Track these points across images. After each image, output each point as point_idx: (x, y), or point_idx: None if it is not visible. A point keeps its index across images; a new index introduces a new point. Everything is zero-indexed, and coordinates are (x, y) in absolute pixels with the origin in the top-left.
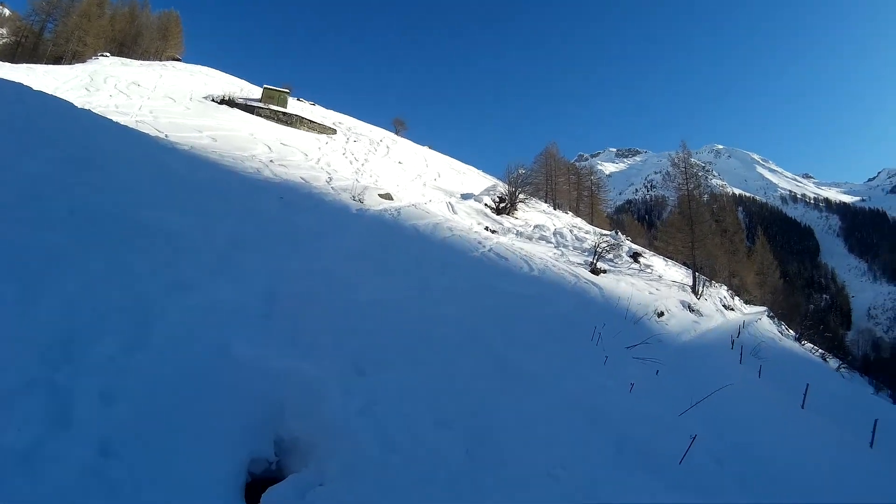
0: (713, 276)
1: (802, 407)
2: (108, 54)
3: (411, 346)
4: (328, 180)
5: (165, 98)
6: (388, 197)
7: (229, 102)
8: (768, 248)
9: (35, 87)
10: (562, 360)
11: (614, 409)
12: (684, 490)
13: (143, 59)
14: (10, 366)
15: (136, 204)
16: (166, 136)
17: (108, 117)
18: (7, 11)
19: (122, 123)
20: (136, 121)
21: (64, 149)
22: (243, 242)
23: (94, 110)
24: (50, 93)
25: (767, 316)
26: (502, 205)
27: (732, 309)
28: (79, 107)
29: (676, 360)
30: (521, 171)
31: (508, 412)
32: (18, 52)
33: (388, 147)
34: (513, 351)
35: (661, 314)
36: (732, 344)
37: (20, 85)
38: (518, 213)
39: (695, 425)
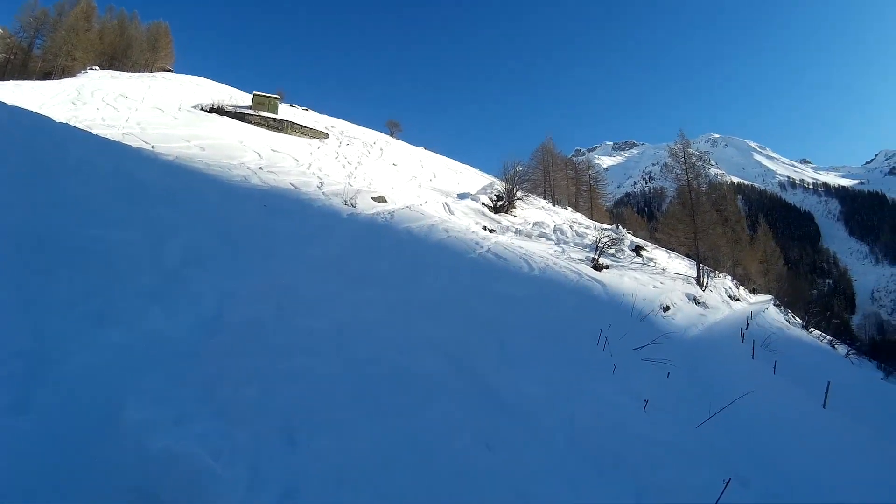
0: (717, 267)
1: (824, 406)
2: (97, 68)
3: (371, 392)
4: (319, 185)
5: (154, 109)
6: (381, 200)
7: (219, 111)
8: (770, 235)
9: (15, 103)
10: (566, 374)
11: (630, 444)
12: None
13: (134, 72)
14: None
15: (81, 222)
16: (153, 147)
17: (92, 130)
18: None
19: (99, 135)
20: (123, 133)
21: (9, 164)
22: (202, 258)
23: (79, 124)
24: (34, 109)
25: (773, 304)
26: (500, 203)
27: (738, 299)
28: (53, 120)
29: (687, 358)
30: (519, 168)
31: (498, 482)
32: (8, 69)
33: (381, 149)
34: (508, 372)
35: (666, 308)
36: (742, 337)
37: None
38: (517, 211)
39: (718, 443)
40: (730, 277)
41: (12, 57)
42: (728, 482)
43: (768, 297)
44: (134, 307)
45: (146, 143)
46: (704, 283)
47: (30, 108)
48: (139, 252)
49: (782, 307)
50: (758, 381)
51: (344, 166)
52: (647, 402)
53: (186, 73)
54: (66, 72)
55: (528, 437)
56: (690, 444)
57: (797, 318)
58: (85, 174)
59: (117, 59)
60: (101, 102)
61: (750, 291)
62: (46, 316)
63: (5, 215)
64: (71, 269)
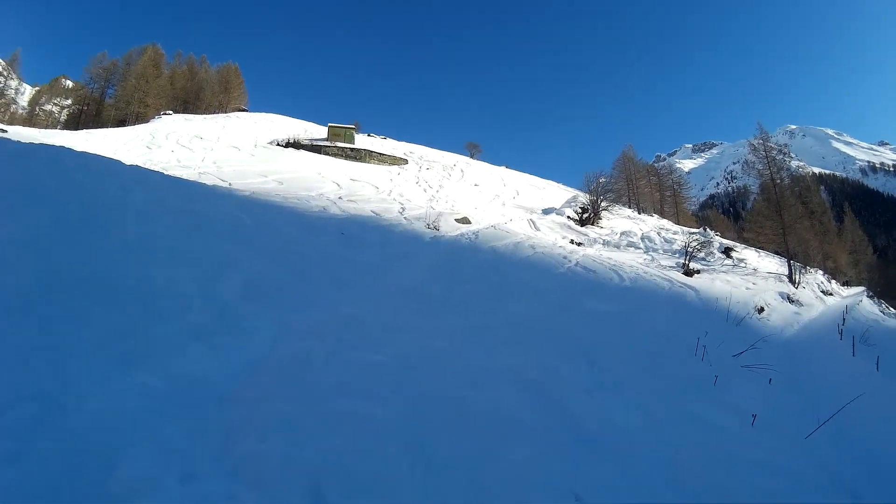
0: (807, 262)
1: None
2: (170, 112)
3: (430, 439)
4: (400, 210)
5: (229, 148)
6: (465, 221)
7: (295, 145)
8: (857, 224)
9: (87, 150)
10: (664, 394)
11: (739, 476)
12: None
13: (208, 114)
14: None
15: (132, 262)
16: (229, 184)
17: (166, 172)
18: (70, 83)
19: (170, 175)
20: (200, 172)
21: (65, 206)
22: (263, 291)
23: (153, 167)
24: (107, 155)
25: (867, 296)
26: (585, 215)
27: (831, 294)
28: (122, 163)
29: (786, 361)
30: (601, 179)
31: None
32: (82, 119)
33: (462, 171)
34: (600, 400)
35: (761, 310)
36: (841, 334)
37: (47, 146)
38: (602, 222)
39: (828, 457)
40: (821, 272)
41: (85, 107)
42: None
43: (861, 288)
44: (171, 347)
45: (222, 180)
46: (797, 280)
47: (102, 155)
48: (191, 288)
49: (875, 298)
50: (861, 381)
51: (425, 190)
52: (754, 417)
53: (261, 111)
54: (140, 118)
55: (625, 483)
56: (800, 465)
57: (891, 308)
58: (148, 214)
59: (190, 102)
60: (175, 144)
61: (842, 284)
62: (71, 358)
63: (47, 258)
64: (108, 308)
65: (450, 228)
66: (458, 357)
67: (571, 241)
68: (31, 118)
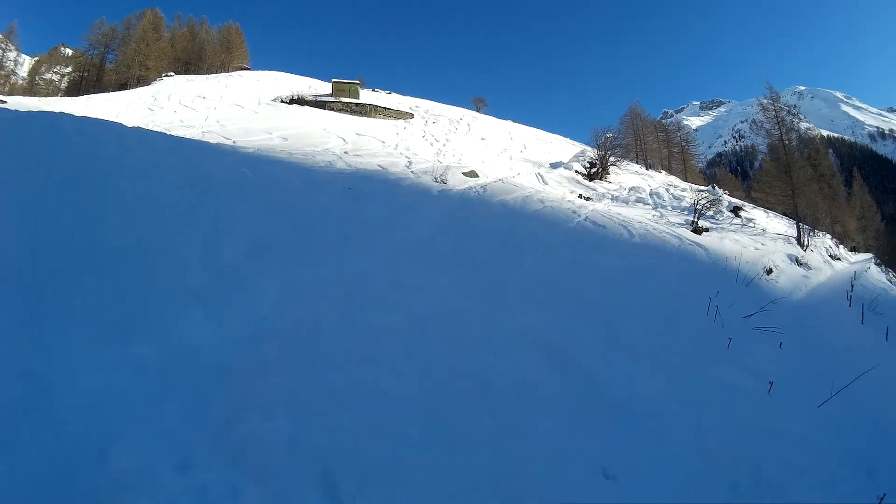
0: (816, 225)
1: None
2: (172, 74)
3: (450, 414)
4: (407, 164)
5: (233, 106)
6: (472, 174)
7: (299, 101)
8: (866, 189)
9: (91, 115)
10: (683, 357)
11: (764, 445)
12: None
13: (210, 74)
14: None
15: (130, 224)
16: (234, 142)
17: (170, 132)
18: (69, 51)
19: (173, 135)
20: (203, 132)
21: (61, 169)
22: (267, 249)
23: (156, 128)
24: (109, 118)
25: (875, 263)
26: (594, 170)
27: (839, 259)
28: (124, 125)
29: (796, 325)
30: (609, 134)
31: None
32: (83, 86)
33: (469, 125)
34: (621, 364)
35: (769, 271)
36: (850, 300)
37: (46, 112)
38: (611, 177)
39: (844, 427)
40: (829, 236)
41: (86, 74)
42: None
43: (869, 255)
44: (168, 313)
45: (227, 138)
46: (805, 243)
47: (102, 118)
48: (191, 249)
49: (883, 266)
50: (871, 351)
51: (432, 144)
52: (771, 384)
53: (264, 70)
54: (142, 81)
55: (654, 455)
56: (818, 436)
57: None
58: (147, 174)
59: (192, 63)
60: (178, 105)
61: (849, 250)
62: (61, 329)
63: (37, 223)
64: (101, 273)
65: (457, 182)
66: (473, 317)
67: (580, 196)
68: (31, 88)
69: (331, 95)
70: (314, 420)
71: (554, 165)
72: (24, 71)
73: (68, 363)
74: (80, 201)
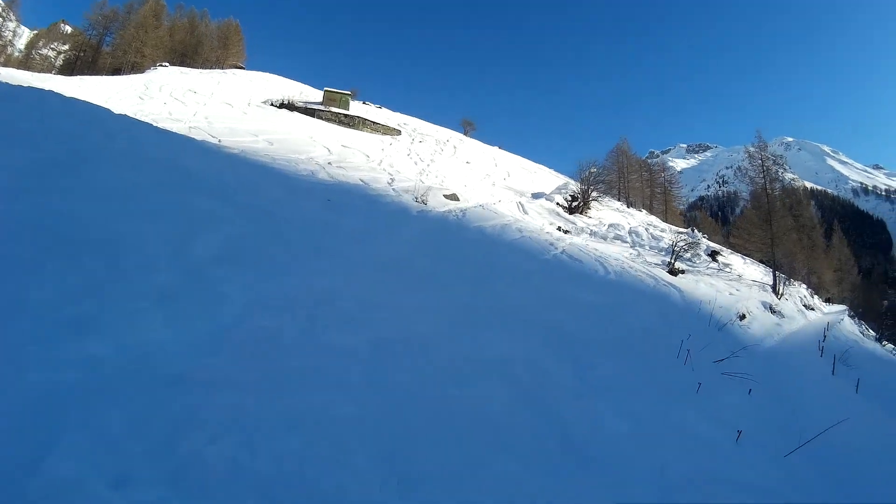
0: (792, 275)
1: None
2: (167, 64)
3: (404, 449)
4: (390, 181)
5: (222, 104)
6: (453, 197)
7: (289, 106)
8: (845, 242)
9: (81, 97)
10: (650, 399)
11: (726, 497)
12: None
13: (205, 69)
14: None
15: (105, 214)
16: (219, 140)
17: (157, 124)
18: (68, 28)
19: (158, 127)
20: (190, 126)
21: (42, 150)
22: (239, 254)
23: (144, 118)
24: (99, 103)
25: (848, 315)
26: (575, 203)
27: (813, 308)
28: (111, 112)
29: (766, 372)
30: (594, 169)
31: None
32: (77, 66)
33: (455, 147)
34: (588, 402)
35: (742, 317)
36: (822, 351)
37: (35, 89)
38: (591, 212)
39: (808, 479)
40: (804, 286)
41: (82, 54)
42: None
43: (843, 307)
44: (130, 311)
45: (212, 136)
46: (780, 291)
47: (91, 101)
48: (161, 246)
49: (856, 318)
50: (840, 403)
51: (416, 163)
52: (740, 433)
53: (257, 70)
54: (136, 68)
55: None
56: (785, 489)
57: (871, 331)
58: (128, 164)
59: (188, 56)
60: (168, 97)
61: (824, 301)
62: (17, 320)
63: (9, 204)
64: (67, 263)
65: (438, 204)
66: (441, 343)
67: (559, 228)
68: (26, 62)
69: (321, 104)
70: (262, 443)
71: (536, 196)
72: (21, 43)
73: (16, 358)
74: (55, 186)
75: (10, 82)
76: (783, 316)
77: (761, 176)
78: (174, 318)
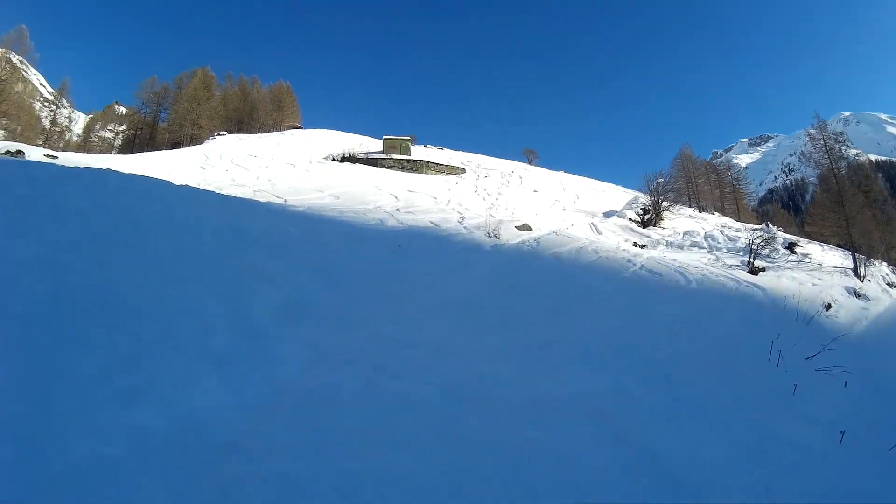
0: (871, 254)
1: None
2: (224, 133)
3: (477, 501)
4: (460, 220)
5: (284, 165)
6: (525, 227)
7: (350, 159)
8: None
9: (141, 173)
10: (747, 412)
11: None
12: None
13: (262, 132)
14: None
15: (159, 281)
16: (285, 200)
17: (221, 191)
18: (123, 109)
19: (219, 193)
20: (255, 190)
21: (92, 226)
22: (301, 311)
23: (208, 186)
24: (161, 177)
25: None
26: (647, 217)
27: None
28: (171, 183)
29: (859, 360)
30: (660, 179)
31: None
32: (136, 144)
33: (520, 177)
34: (681, 428)
35: (828, 306)
36: None
37: (93, 169)
38: (664, 223)
39: None
40: (885, 263)
41: (139, 132)
42: None
43: None
44: (183, 378)
45: (278, 197)
46: (862, 274)
47: (150, 175)
48: (218, 309)
49: None
50: None
51: (484, 198)
52: (843, 434)
53: (315, 128)
54: (194, 140)
55: None
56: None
57: None
58: (188, 231)
59: (244, 122)
60: (229, 164)
61: None
62: (65, 391)
63: (62, 278)
64: (118, 332)
65: (511, 236)
66: (517, 385)
67: (634, 244)
68: (85, 144)
69: (382, 152)
70: None
71: (607, 214)
72: (78, 128)
73: (65, 428)
74: (112, 257)
75: (69, 164)
76: (868, 299)
77: (826, 157)
78: (229, 382)
